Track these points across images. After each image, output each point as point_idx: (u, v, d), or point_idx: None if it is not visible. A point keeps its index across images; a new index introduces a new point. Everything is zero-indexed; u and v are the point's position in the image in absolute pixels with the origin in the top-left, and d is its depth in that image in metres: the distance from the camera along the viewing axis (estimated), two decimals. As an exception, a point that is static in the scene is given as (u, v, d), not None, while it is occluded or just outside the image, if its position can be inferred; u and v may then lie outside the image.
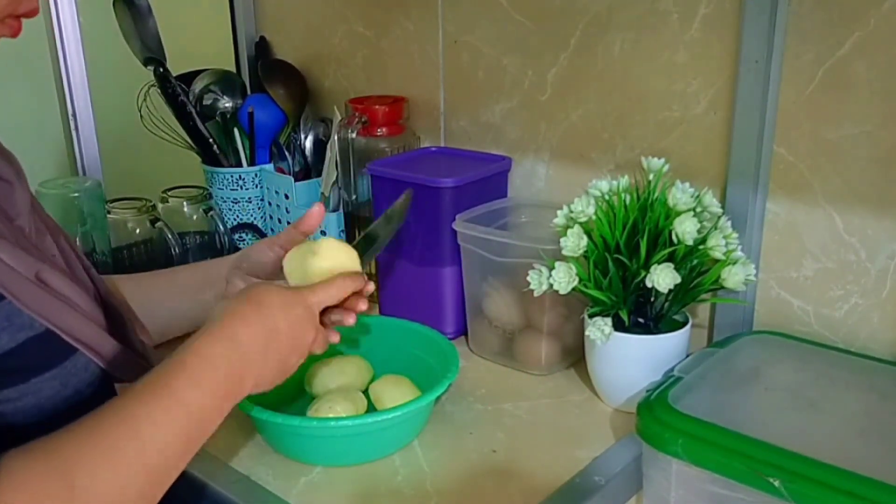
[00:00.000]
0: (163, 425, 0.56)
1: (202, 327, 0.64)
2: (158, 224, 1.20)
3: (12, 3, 0.60)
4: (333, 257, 0.75)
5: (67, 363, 0.60)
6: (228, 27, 1.47)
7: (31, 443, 0.52)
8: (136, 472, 0.54)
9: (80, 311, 0.62)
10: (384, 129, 1.18)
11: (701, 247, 0.84)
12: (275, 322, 0.65)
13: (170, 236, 1.19)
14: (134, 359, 0.67)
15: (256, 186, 1.32)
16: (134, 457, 0.54)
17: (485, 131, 1.17)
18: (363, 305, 0.76)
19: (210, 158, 1.32)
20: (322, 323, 0.72)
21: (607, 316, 0.86)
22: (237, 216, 1.33)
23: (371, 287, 0.77)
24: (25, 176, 0.71)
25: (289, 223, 1.28)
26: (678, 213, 0.83)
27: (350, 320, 0.75)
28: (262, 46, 1.45)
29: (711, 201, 0.86)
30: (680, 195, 0.83)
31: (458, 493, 0.77)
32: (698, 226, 0.83)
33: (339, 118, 1.19)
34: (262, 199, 1.33)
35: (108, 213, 1.22)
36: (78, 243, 1.16)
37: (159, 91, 1.30)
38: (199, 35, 1.57)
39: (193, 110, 1.30)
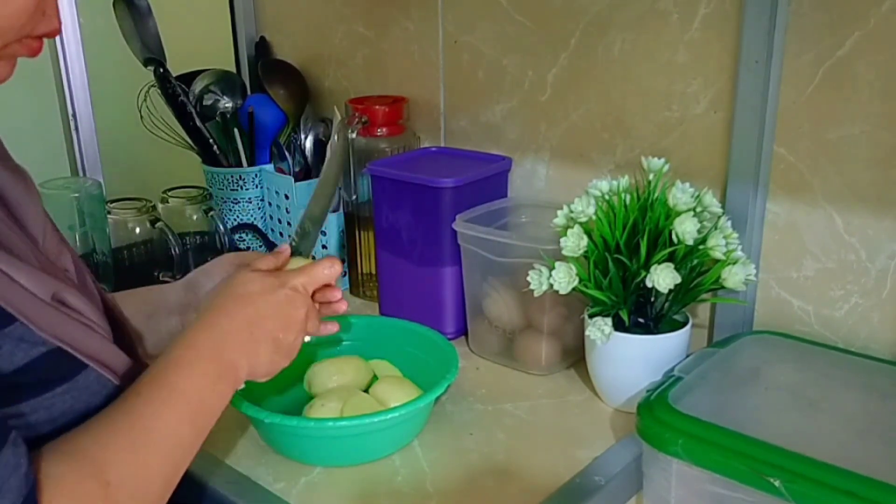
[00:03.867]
0: (169, 417, 0.60)
1: (192, 321, 0.69)
2: (158, 224, 1.20)
3: (30, 22, 0.58)
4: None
5: (79, 378, 0.60)
6: (228, 27, 1.47)
7: (54, 445, 0.55)
8: (157, 463, 0.59)
9: (93, 327, 0.63)
10: (384, 129, 1.18)
11: (701, 247, 0.84)
12: (255, 307, 0.69)
13: (170, 236, 1.19)
14: (141, 371, 0.67)
15: (256, 187, 1.32)
16: (153, 450, 0.59)
17: (485, 131, 1.17)
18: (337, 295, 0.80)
19: (210, 158, 1.32)
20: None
21: (607, 316, 0.86)
22: (237, 216, 1.33)
23: (339, 268, 0.78)
24: (37, 190, 0.72)
25: (288, 223, 1.28)
26: (678, 213, 0.83)
27: (336, 301, 0.80)
28: (262, 46, 1.45)
29: (711, 201, 0.86)
30: (680, 195, 0.83)
31: (458, 493, 0.77)
32: (698, 226, 0.83)
33: (339, 118, 1.19)
34: (262, 200, 1.33)
35: (108, 213, 1.22)
36: (77, 244, 1.16)
37: (159, 91, 1.30)
38: (199, 35, 1.56)
39: (193, 110, 1.30)
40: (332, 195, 0.91)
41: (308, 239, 0.87)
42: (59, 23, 0.62)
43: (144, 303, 0.85)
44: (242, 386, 0.69)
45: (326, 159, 0.94)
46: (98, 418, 0.58)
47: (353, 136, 1.16)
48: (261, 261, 0.78)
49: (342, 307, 0.81)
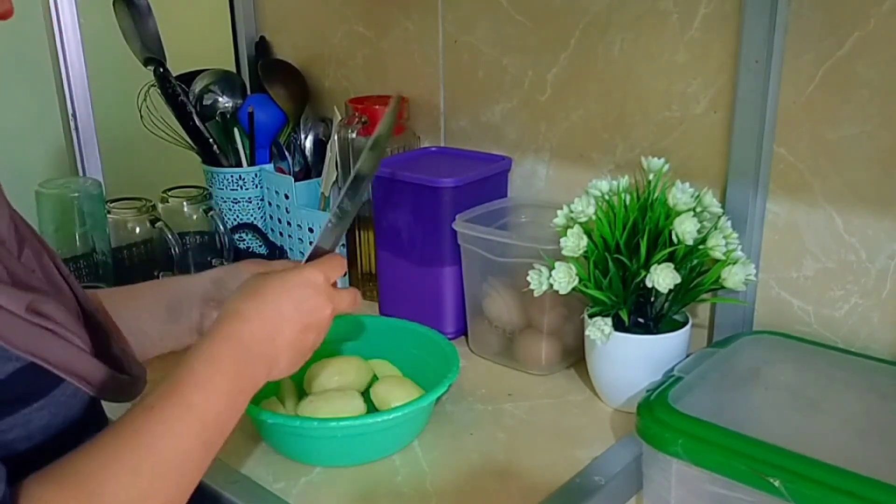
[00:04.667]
0: (179, 436, 0.57)
1: (210, 328, 0.65)
2: (158, 224, 1.20)
3: None
4: None
5: (56, 392, 0.58)
6: (228, 27, 1.47)
7: (50, 467, 0.52)
8: (159, 486, 0.55)
9: (69, 338, 0.60)
10: (384, 129, 1.18)
11: (701, 247, 0.84)
12: (277, 310, 0.66)
13: (170, 236, 1.19)
14: (120, 378, 0.65)
15: (256, 186, 1.32)
16: (155, 471, 0.55)
17: (485, 131, 1.17)
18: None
19: (210, 158, 1.32)
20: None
21: (607, 316, 0.86)
22: (237, 216, 1.33)
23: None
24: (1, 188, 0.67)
25: (288, 223, 1.28)
26: (678, 213, 0.83)
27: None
28: (262, 46, 1.45)
29: (711, 201, 0.86)
30: (680, 195, 0.83)
31: (458, 493, 0.77)
32: (698, 226, 0.83)
33: (339, 118, 1.19)
34: (262, 199, 1.33)
35: (108, 213, 1.22)
36: (78, 244, 1.16)
37: (159, 91, 1.30)
38: (199, 35, 1.56)
39: (193, 110, 1.30)
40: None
41: (346, 219, 0.77)
42: (11, 4, 0.58)
43: (167, 293, 0.83)
44: None
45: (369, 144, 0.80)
46: (100, 436, 0.55)
47: (353, 136, 1.16)
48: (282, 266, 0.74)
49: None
